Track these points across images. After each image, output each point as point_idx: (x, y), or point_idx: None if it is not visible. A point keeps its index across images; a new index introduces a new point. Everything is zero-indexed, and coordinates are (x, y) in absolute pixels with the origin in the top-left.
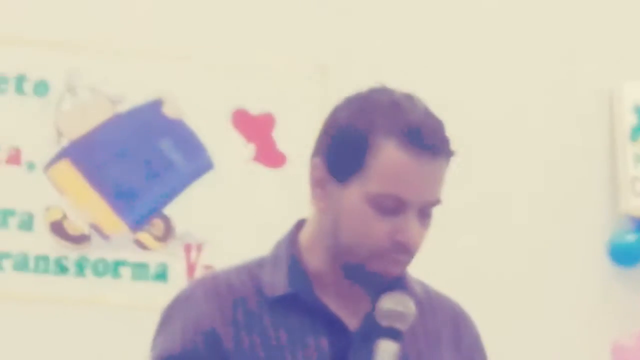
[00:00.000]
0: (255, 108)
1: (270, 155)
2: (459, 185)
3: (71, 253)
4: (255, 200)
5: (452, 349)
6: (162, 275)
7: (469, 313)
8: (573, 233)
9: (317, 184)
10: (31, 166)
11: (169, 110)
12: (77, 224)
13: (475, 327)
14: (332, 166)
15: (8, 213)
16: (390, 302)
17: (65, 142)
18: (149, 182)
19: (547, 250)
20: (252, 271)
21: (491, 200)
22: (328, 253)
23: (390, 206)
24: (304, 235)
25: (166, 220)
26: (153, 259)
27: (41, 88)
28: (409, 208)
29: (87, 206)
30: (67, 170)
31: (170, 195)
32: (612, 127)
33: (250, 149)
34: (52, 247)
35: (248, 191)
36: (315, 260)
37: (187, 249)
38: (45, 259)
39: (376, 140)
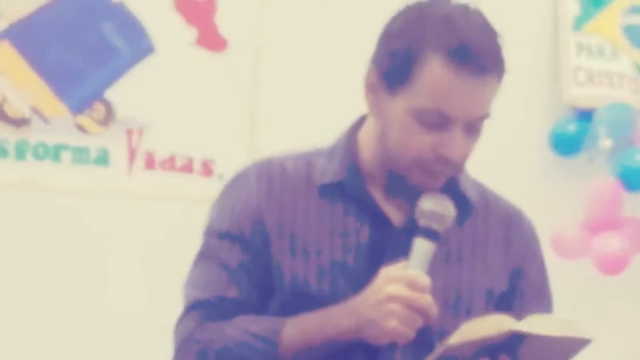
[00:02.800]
0: None
1: (211, 40)
2: None
3: (11, 136)
4: (197, 85)
5: (500, 252)
6: (102, 160)
7: (527, 219)
8: (515, 123)
9: (369, 90)
10: None
11: None
12: (17, 107)
13: (530, 232)
14: (384, 75)
15: None
16: (429, 203)
17: (4, 24)
18: (90, 66)
19: (489, 140)
20: (308, 159)
21: None
22: (377, 155)
23: (434, 121)
24: (363, 132)
25: (107, 104)
26: (94, 143)
27: None
28: (453, 123)
29: (27, 89)
30: (7, 52)
31: (111, 79)
32: (555, 17)
33: (192, 32)
34: None
35: (189, 75)
36: (368, 157)
37: (129, 133)
38: None
39: (423, 55)
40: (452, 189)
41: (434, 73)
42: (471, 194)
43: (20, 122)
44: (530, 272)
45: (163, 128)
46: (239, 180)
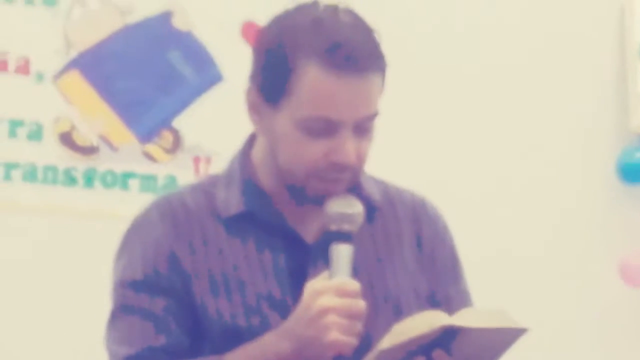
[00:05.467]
0: (264, 20)
1: None
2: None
3: (80, 164)
4: None
5: (413, 247)
6: (170, 187)
7: (432, 206)
8: (582, 150)
9: (252, 109)
10: (40, 76)
11: (178, 22)
12: (86, 135)
13: (437, 221)
14: (263, 91)
15: (17, 123)
16: (335, 206)
17: (74, 53)
18: (158, 94)
19: (556, 169)
20: (206, 190)
21: (500, 114)
22: (274, 172)
23: (321, 128)
24: (256, 152)
25: (175, 132)
26: (162, 171)
27: None
28: (340, 127)
29: (96, 117)
30: (76, 81)
31: (179, 107)
32: (622, 43)
33: None
34: (61, 157)
35: None
36: (266, 177)
37: (196, 161)
38: (54, 169)
39: (298, 63)
40: (355, 193)
41: (312, 80)
42: (373, 194)
43: (89, 151)
44: (440, 258)
45: (230, 156)
46: (141, 225)
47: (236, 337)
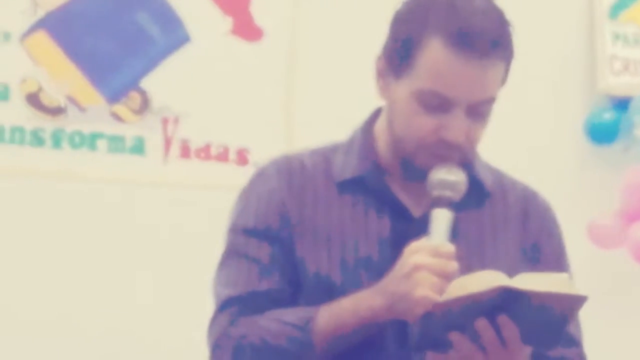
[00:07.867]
0: None
1: (247, 29)
2: None
3: (47, 125)
4: (232, 74)
5: (518, 236)
6: (138, 148)
7: (543, 200)
8: (551, 111)
9: (378, 75)
10: (7, 36)
11: None
12: (53, 96)
13: (546, 213)
14: (389, 59)
15: None
16: (439, 173)
17: (41, 13)
18: (125, 55)
19: (524, 128)
20: (326, 154)
21: None
22: (389, 143)
23: (435, 104)
24: (379, 124)
25: (143, 93)
26: (129, 132)
27: None
28: (454, 106)
29: (63, 78)
30: (43, 41)
31: (147, 68)
32: (590, 5)
33: (227, 22)
34: (28, 118)
35: (225, 64)
36: (384, 151)
37: (164, 122)
38: (21, 130)
39: (425, 39)
40: (468, 176)
41: (434, 55)
42: (486, 178)
43: (56, 111)
44: (546, 249)
45: (198, 117)
46: (259, 177)
47: (328, 293)
